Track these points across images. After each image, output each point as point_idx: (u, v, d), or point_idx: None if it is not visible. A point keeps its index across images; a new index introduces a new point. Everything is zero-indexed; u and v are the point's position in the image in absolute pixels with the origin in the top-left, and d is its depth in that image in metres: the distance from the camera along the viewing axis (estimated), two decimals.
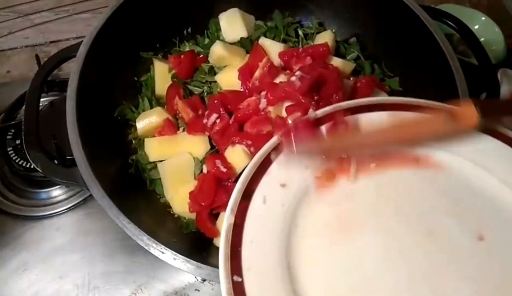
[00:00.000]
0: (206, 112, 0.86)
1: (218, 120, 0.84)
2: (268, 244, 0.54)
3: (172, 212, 0.88)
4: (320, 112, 0.67)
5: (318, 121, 0.66)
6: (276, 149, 0.63)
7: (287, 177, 0.60)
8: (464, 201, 0.60)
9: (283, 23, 1.05)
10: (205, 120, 0.85)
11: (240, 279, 0.51)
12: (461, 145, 0.65)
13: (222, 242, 0.54)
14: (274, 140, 0.63)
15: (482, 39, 1.34)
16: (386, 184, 0.61)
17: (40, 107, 1.10)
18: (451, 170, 0.64)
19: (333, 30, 1.07)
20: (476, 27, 1.36)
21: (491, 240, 0.56)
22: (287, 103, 0.81)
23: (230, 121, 0.85)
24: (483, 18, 1.36)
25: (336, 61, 0.95)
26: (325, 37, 1.00)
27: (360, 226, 0.57)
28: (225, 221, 0.55)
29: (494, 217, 0.59)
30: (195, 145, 0.88)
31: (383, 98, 0.72)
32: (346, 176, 0.61)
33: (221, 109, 0.85)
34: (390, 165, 0.63)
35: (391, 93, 1.01)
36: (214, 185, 0.81)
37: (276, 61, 0.93)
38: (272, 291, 0.51)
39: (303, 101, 0.79)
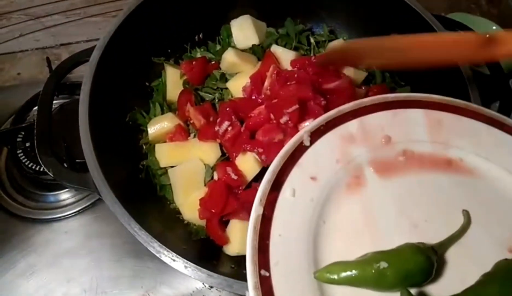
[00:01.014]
0: (218, 120, 0.86)
1: (229, 128, 0.84)
2: (296, 239, 0.53)
3: (181, 218, 0.88)
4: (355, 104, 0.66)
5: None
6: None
7: (317, 170, 0.58)
8: (496, 210, 0.59)
9: (294, 30, 1.05)
10: (216, 128, 0.85)
11: (267, 274, 0.50)
12: (497, 153, 0.63)
13: (249, 234, 0.52)
14: (306, 129, 0.62)
15: None
16: (416, 186, 0.59)
17: None
18: (484, 177, 0.62)
19: (345, 38, 1.07)
20: (487, 36, 1.35)
21: None
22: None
23: (242, 129, 0.85)
24: (494, 28, 1.36)
25: (348, 70, 0.94)
26: (338, 45, 1.00)
27: (386, 226, 0.56)
28: (253, 212, 0.54)
29: None
30: (206, 152, 0.88)
31: (420, 95, 0.71)
32: (376, 176, 0.60)
33: (232, 117, 0.85)
34: (421, 166, 0.61)
35: None
36: (225, 192, 0.81)
37: (288, 69, 0.93)
38: (299, 287, 0.50)
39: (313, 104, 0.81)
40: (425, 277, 0.51)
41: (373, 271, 0.49)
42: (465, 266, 0.54)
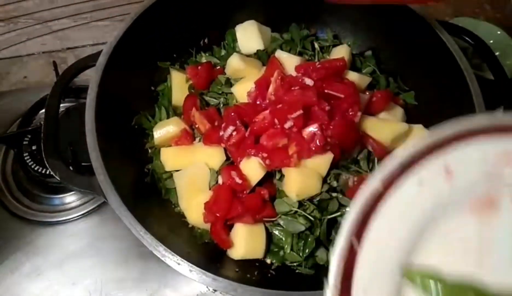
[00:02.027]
0: (223, 125, 0.86)
1: (234, 133, 0.84)
2: (401, 223, 0.50)
3: (186, 222, 0.89)
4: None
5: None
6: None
7: (456, 170, 0.52)
8: None
9: (299, 36, 1.06)
10: (221, 133, 0.86)
11: (358, 243, 0.48)
12: None
13: (360, 198, 0.49)
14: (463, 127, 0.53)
15: (497, 54, 1.34)
16: None
17: None
18: None
19: (349, 43, 1.08)
20: (491, 41, 1.36)
21: None
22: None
23: (246, 134, 0.85)
24: (499, 32, 1.36)
25: (352, 76, 0.95)
26: (342, 51, 1.01)
27: (497, 261, 0.50)
28: (371, 182, 0.50)
29: None
30: (211, 156, 0.89)
31: None
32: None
33: (237, 121, 0.85)
34: None
35: (406, 107, 1.01)
36: (229, 196, 0.81)
37: (293, 74, 0.93)
38: (382, 270, 0.49)
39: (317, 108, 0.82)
40: None
41: None
42: None
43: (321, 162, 0.84)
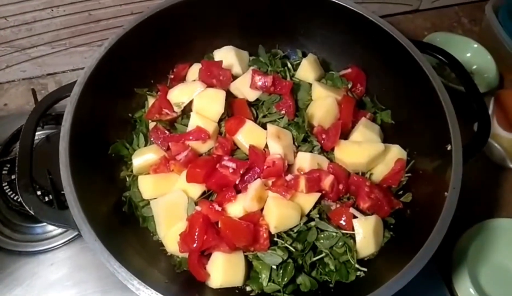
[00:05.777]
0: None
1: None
2: None
3: (165, 250, 0.88)
4: None
5: None
6: None
7: None
8: None
9: (269, 55, 1.09)
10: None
11: None
12: None
13: None
14: None
15: (474, 67, 1.36)
16: None
17: (36, 141, 1.11)
18: None
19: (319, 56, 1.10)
20: (469, 55, 1.38)
21: None
22: None
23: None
24: (476, 46, 1.38)
25: (319, 90, 0.98)
26: (310, 59, 1.04)
27: None
28: None
29: None
30: (191, 186, 0.87)
31: None
32: None
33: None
34: None
35: (382, 126, 1.02)
36: (204, 228, 0.80)
37: None
38: None
39: None
40: None
41: None
42: None
43: (307, 200, 0.86)
